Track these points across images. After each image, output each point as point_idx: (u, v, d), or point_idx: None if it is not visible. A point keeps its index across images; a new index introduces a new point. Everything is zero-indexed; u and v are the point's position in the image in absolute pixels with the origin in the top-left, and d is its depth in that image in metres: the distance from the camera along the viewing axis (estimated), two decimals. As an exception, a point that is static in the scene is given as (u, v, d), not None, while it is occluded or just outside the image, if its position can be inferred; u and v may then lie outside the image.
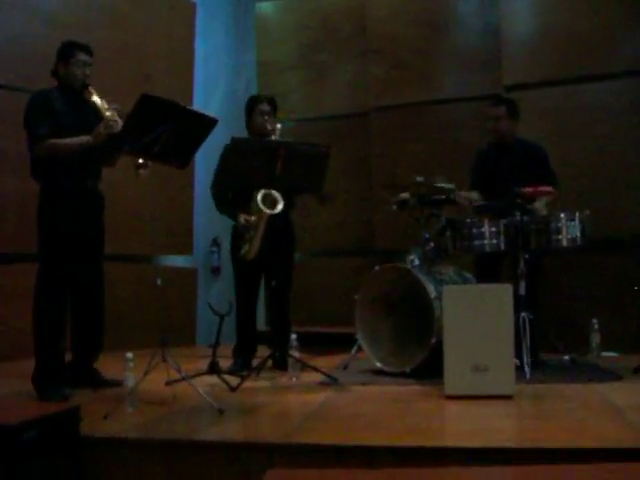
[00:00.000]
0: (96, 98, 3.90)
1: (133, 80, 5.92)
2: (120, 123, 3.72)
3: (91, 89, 3.93)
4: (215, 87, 7.17)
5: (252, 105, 4.72)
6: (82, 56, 3.93)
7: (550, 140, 5.13)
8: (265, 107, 4.67)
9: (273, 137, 4.33)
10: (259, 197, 4.17)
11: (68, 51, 3.93)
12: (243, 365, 4.52)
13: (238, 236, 4.51)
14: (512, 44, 5.76)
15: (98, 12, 5.92)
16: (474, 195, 4.72)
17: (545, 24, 5.68)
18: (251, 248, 4.32)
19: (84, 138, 3.78)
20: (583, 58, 5.49)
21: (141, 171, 3.63)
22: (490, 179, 4.71)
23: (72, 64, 3.91)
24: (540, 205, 4.45)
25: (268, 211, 4.17)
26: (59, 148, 3.78)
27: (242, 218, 4.39)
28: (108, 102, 3.90)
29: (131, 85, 5.68)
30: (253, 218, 4.32)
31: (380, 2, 6.35)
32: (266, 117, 4.61)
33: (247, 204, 4.39)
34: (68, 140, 3.78)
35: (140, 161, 3.61)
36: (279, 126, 4.43)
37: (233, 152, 3.99)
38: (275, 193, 4.18)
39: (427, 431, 2.92)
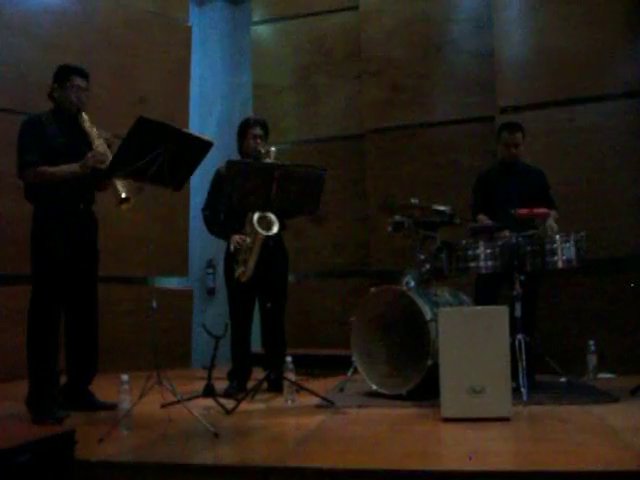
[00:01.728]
0: (88, 126, 3.90)
1: (129, 102, 5.97)
2: (109, 156, 3.72)
3: (84, 116, 3.92)
4: (211, 109, 7.20)
5: (244, 128, 4.75)
6: (78, 80, 3.94)
7: (545, 161, 5.15)
8: (257, 130, 4.70)
9: (268, 160, 4.35)
10: (255, 219, 4.17)
11: (64, 75, 3.94)
12: (238, 388, 4.50)
13: (231, 258, 4.52)
14: (507, 66, 5.80)
15: (95, 35, 5.97)
16: (482, 218, 4.73)
17: (539, 46, 5.73)
18: (246, 270, 4.34)
19: (72, 167, 3.78)
20: (577, 80, 5.54)
21: (123, 206, 3.67)
22: (492, 201, 4.72)
23: (67, 88, 3.92)
24: (550, 223, 4.44)
25: (264, 233, 4.17)
26: (46, 176, 3.79)
27: (237, 238, 4.41)
28: (99, 131, 3.91)
29: (127, 107, 5.73)
30: (248, 240, 4.34)
31: (375, 25, 6.39)
32: (259, 140, 4.66)
33: (240, 226, 4.41)
34: (56, 169, 3.78)
35: (123, 196, 3.66)
36: (274, 149, 4.46)
37: (229, 174, 4.00)
38: (271, 215, 4.18)
39: (424, 454, 2.91)
